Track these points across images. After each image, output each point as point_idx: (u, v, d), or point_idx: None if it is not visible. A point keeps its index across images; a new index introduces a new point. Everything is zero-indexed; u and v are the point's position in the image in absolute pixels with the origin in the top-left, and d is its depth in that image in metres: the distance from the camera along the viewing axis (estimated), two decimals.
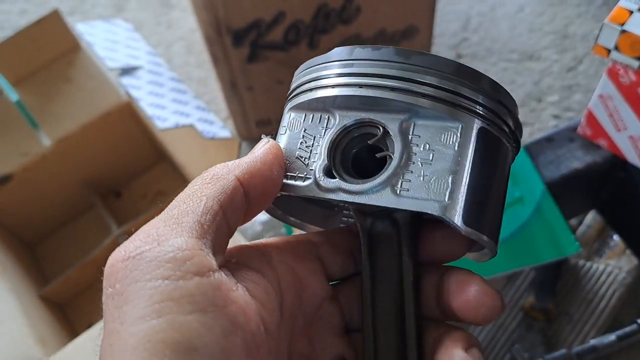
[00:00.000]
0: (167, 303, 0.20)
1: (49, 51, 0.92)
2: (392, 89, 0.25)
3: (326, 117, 0.27)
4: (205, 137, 0.62)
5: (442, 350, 0.25)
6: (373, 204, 0.25)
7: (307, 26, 0.87)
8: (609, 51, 0.60)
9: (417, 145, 0.25)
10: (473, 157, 0.24)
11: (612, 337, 0.76)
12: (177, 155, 0.79)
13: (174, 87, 0.69)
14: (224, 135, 0.62)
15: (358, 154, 0.27)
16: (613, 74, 0.63)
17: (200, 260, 0.22)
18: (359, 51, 0.27)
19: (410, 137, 0.25)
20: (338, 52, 0.27)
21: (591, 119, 0.71)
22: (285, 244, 0.28)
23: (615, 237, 0.88)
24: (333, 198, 0.25)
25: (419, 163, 0.24)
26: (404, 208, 0.24)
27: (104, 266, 0.23)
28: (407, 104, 0.25)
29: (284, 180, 0.27)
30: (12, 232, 0.92)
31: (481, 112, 0.25)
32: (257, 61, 0.89)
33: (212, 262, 0.23)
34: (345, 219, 0.33)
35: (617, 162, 0.71)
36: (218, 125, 0.62)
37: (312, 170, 0.26)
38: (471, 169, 0.24)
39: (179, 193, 0.25)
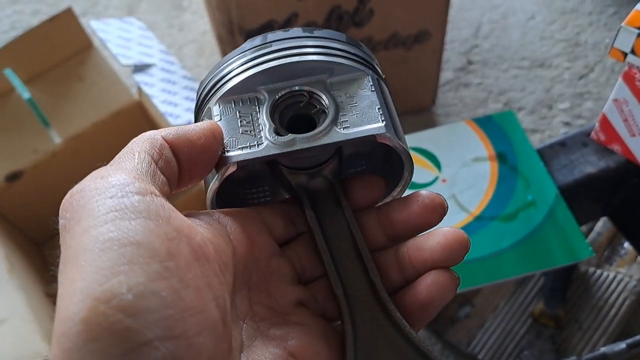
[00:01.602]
0: (112, 213, 0.22)
1: (62, 49, 0.92)
2: (312, 54, 0.30)
3: (254, 97, 0.31)
4: None
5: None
6: (328, 142, 0.29)
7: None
8: (625, 54, 0.60)
9: (340, 96, 0.30)
10: (382, 94, 0.31)
11: (622, 345, 0.75)
12: None
13: (186, 85, 0.69)
14: None
15: (291, 119, 0.31)
16: (629, 78, 0.63)
17: (142, 185, 0.24)
18: (271, 35, 0.31)
19: (332, 92, 0.30)
20: (251, 40, 0.32)
21: (605, 123, 0.70)
22: (231, 210, 0.30)
23: (626, 245, 0.88)
24: (293, 149, 0.29)
25: (348, 107, 0.30)
26: (355, 137, 0.29)
27: None
28: (326, 65, 0.31)
29: (238, 152, 0.29)
30: (21, 229, 0.91)
31: (371, 66, 0.32)
32: None
33: (155, 190, 0.24)
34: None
35: (630, 167, 0.70)
36: None
37: (261, 136, 0.29)
38: (384, 101, 0.30)
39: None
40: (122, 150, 0.26)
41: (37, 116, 0.87)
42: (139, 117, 0.90)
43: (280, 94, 0.30)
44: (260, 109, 0.30)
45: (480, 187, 0.71)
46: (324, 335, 0.28)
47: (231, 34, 0.84)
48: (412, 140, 0.77)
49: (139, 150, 0.26)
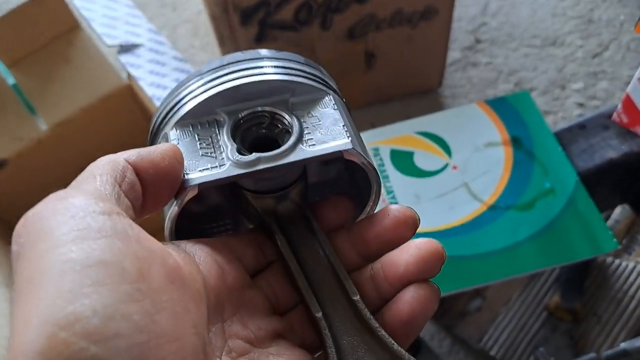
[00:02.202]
0: (73, 233, 0.20)
1: (47, 30, 0.87)
2: (272, 73, 0.30)
3: (213, 119, 0.29)
4: None
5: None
6: (294, 160, 0.27)
7: (319, 5, 0.81)
8: None
9: (303, 116, 0.30)
10: (345, 112, 0.30)
11: None
12: None
13: (176, 67, 0.64)
14: None
15: (255, 140, 0.30)
16: None
17: (107, 205, 0.22)
18: (229, 57, 0.30)
19: (295, 112, 0.30)
20: (208, 63, 0.30)
21: (629, 104, 0.65)
22: (197, 240, 0.28)
23: None
24: (258, 169, 0.27)
25: (312, 126, 0.29)
26: (323, 153, 0.28)
27: None
28: (287, 85, 0.30)
29: (199, 174, 0.27)
30: (6, 222, 0.87)
31: (330, 87, 0.32)
32: (265, 41, 0.84)
33: (121, 211, 0.22)
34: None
35: None
36: None
37: (223, 158, 0.28)
38: (347, 119, 0.30)
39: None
40: (80, 174, 0.24)
41: (23, 103, 0.82)
42: (130, 101, 0.85)
43: (242, 115, 0.29)
44: (221, 131, 0.29)
45: (494, 174, 0.66)
46: None
47: (225, 12, 0.78)
48: (420, 124, 0.72)
49: (100, 172, 0.24)
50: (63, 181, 0.78)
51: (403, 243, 0.28)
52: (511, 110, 0.72)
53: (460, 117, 0.72)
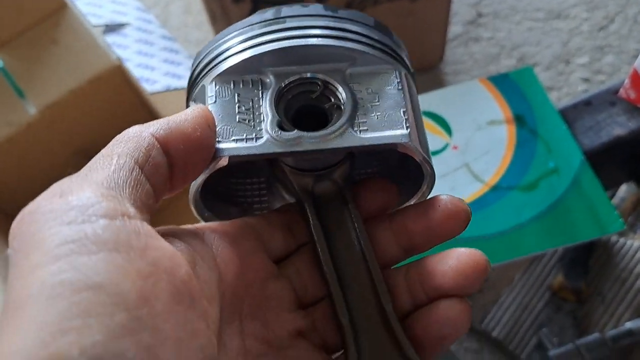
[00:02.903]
0: (67, 246, 0.18)
1: (33, 11, 0.84)
2: (332, 37, 0.26)
3: (258, 79, 0.26)
4: None
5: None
6: (340, 146, 0.25)
7: None
8: None
9: (360, 91, 0.26)
10: (409, 93, 0.27)
11: None
12: None
13: (165, 47, 0.61)
14: None
15: (300, 110, 0.27)
16: None
17: (111, 204, 0.19)
18: (286, 9, 0.27)
19: (351, 84, 0.26)
20: (261, 12, 0.27)
21: (636, 79, 0.63)
22: (219, 225, 0.26)
23: None
24: (298, 150, 0.24)
25: (369, 105, 0.26)
26: (373, 144, 0.25)
27: None
28: (348, 53, 0.26)
29: (232, 144, 0.24)
30: None
31: (399, 58, 0.28)
32: None
33: (129, 209, 0.20)
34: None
35: None
36: None
37: (261, 129, 0.25)
38: (411, 102, 0.26)
39: None
40: (101, 151, 0.22)
41: (11, 86, 0.80)
42: (120, 83, 0.82)
43: (289, 80, 0.26)
44: (264, 95, 0.26)
45: (496, 154, 0.64)
46: None
47: None
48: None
49: (119, 152, 0.21)
50: (54, 163, 0.76)
51: (452, 237, 0.26)
52: (514, 87, 0.69)
53: (461, 94, 0.70)
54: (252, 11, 0.80)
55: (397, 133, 0.25)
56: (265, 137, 0.24)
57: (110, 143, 0.22)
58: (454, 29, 1.10)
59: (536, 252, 0.58)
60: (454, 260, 0.24)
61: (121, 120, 0.88)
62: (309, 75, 0.26)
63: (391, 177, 0.29)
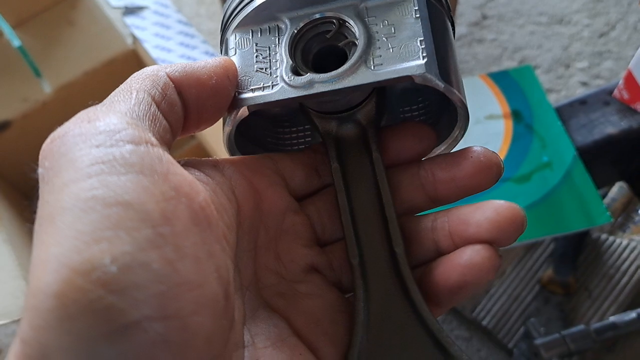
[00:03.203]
0: (98, 166, 0.19)
1: None
2: None
3: (275, 25, 0.26)
4: None
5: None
6: (353, 84, 0.24)
7: None
8: None
9: (376, 24, 0.25)
10: (432, 23, 0.25)
11: (632, 314, 0.73)
12: None
13: (181, 30, 0.64)
14: None
15: (319, 53, 0.26)
16: None
17: (136, 132, 0.20)
18: None
19: (366, 19, 0.25)
20: None
21: (630, 81, 0.65)
22: (240, 159, 0.26)
23: None
24: (310, 93, 0.24)
25: (384, 38, 0.24)
26: (386, 78, 0.24)
27: None
28: None
29: (250, 94, 0.25)
30: (10, 182, 0.88)
31: None
32: None
33: (152, 138, 0.21)
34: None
35: None
36: None
37: (277, 76, 0.25)
38: (433, 32, 0.24)
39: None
40: (119, 87, 0.23)
41: (29, 65, 0.82)
42: (134, 66, 0.85)
43: (303, 23, 0.26)
44: (281, 40, 0.25)
45: (493, 147, 0.67)
46: (335, 309, 0.25)
47: None
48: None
49: (137, 88, 0.22)
50: None
51: (480, 191, 0.25)
52: (513, 84, 0.72)
53: None
54: None
55: (412, 64, 0.23)
56: (280, 84, 0.24)
57: (129, 79, 0.23)
58: (459, 29, 1.13)
59: (527, 240, 0.61)
60: (491, 211, 0.23)
61: None
62: (318, 15, 0.26)
63: (435, 120, 0.28)
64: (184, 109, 0.23)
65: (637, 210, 0.84)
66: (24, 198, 0.91)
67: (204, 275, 0.19)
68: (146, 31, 0.64)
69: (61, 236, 0.18)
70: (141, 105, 0.22)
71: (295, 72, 0.25)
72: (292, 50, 0.25)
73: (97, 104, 0.22)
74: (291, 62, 0.25)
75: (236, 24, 0.26)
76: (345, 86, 0.24)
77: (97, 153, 0.19)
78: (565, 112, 0.69)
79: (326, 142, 0.27)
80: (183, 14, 1.16)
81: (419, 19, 0.24)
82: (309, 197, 0.27)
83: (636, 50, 0.84)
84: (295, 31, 0.26)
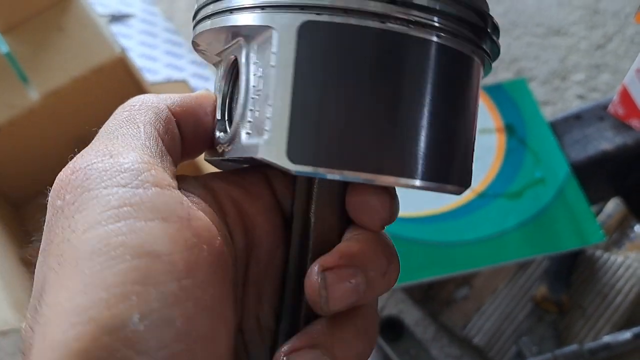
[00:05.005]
0: (125, 208, 0.18)
1: None
2: (211, 15, 0.21)
3: (219, 64, 0.24)
4: None
5: None
6: (232, 156, 0.21)
7: None
8: None
9: (255, 73, 0.20)
10: (296, 67, 0.18)
11: (627, 334, 0.71)
12: None
13: (168, 39, 0.63)
14: None
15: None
16: None
17: (159, 174, 0.20)
18: None
19: (250, 65, 0.20)
20: None
21: (625, 96, 0.64)
22: (230, 175, 0.24)
23: (637, 228, 0.82)
24: (212, 158, 0.23)
25: (256, 96, 0.19)
26: (234, 156, 0.21)
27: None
28: (223, 27, 0.20)
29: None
30: None
31: (304, 2, 0.18)
32: None
33: (171, 180, 0.21)
34: None
35: None
36: (213, 82, 0.55)
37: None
38: (295, 84, 0.18)
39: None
40: (119, 115, 0.22)
41: (16, 72, 0.81)
42: (123, 73, 0.84)
43: (225, 64, 0.23)
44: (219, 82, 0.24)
45: (485, 162, 0.66)
46: None
47: None
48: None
49: (143, 121, 0.22)
50: (54, 150, 0.77)
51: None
52: (507, 98, 0.71)
53: None
54: None
55: (257, 141, 0.19)
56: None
57: (128, 108, 0.22)
58: None
59: (518, 258, 0.60)
60: None
61: None
62: (232, 55, 0.22)
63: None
64: (181, 142, 0.23)
65: (633, 227, 0.83)
66: (12, 207, 0.89)
67: (218, 330, 0.19)
68: (132, 39, 0.62)
69: (87, 285, 0.17)
70: (151, 141, 0.21)
71: (221, 128, 0.23)
72: (225, 98, 0.23)
73: (96, 130, 0.22)
74: (218, 116, 0.23)
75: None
76: (230, 157, 0.22)
77: (125, 194, 0.19)
78: (560, 127, 0.68)
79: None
80: (175, 20, 1.15)
81: (278, 68, 0.18)
82: None
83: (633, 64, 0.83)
84: (221, 76, 0.23)
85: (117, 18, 0.65)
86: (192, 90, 0.58)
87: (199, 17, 0.23)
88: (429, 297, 0.81)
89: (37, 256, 0.21)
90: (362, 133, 0.18)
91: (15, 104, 0.82)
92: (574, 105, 1.02)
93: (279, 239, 0.24)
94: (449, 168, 0.20)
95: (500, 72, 1.07)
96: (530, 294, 0.79)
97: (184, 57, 0.61)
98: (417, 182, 0.19)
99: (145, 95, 0.23)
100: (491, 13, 0.22)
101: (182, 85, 0.60)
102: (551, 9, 1.15)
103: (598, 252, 0.81)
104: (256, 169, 0.24)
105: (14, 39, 0.84)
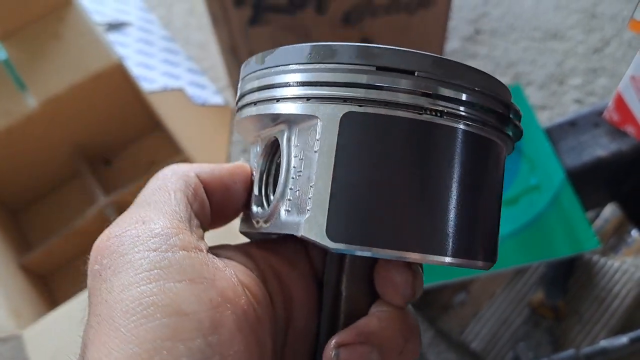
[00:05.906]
0: (156, 271, 0.20)
1: (38, 4, 0.86)
2: (255, 103, 0.23)
3: (257, 142, 0.25)
4: (195, 102, 0.56)
5: None
6: (270, 231, 0.23)
7: None
8: None
9: (297, 155, 0.21)
10: (337, 153, 0.19)
11: (623, 339, 0.71)
12: (168, 123, 0.74)
13: (165, 47, 0.63)
14: (215, 101, 0.56)
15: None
16: None
17: (186, 238, 0.22)
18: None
19: (292, 147, 0.22)
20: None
21: (620, 103, 0.64)
22: (268, 244, 0.26)
23: (634, 233, 0.82)
24: (249, 231, 0.24)
25: (297, 176, 0.21)
26: (275, 231, 0.22)
27: (89, 240, 0.23)
28: (268, 114, 0.22)
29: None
30: None
31: (346, 95, 0.19)
32: (259, 24, 0.82)
33: (199, 243, 0.23)
34: None
35: None
36: (210, 90, 0.56)
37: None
38: (336, 168, 0.19)
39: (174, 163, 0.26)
40: (152, 184, 0.24)
41: (13, 79, 0.81)
42: (120, 81, 0.84)
43: (263, 144, 0.25)
44: (258, 161, 0.25)
45: None
46: None
47: None
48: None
49: (174, 189, 0.24)
50: (52, 156, 0.78)
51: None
52: None
53: None
54: (253, 18, 0.82)
55: (298, 220, 0.20)
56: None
57: (161, 176, 0.24)
58: (452, 44, 1.12)
59: (513, 265, 0.60)
60: None
61: (119, 117, 0.89)
62: (274, 135, 0.23)
63: None
64: (210, 209, 0.25)
65: (629, 232, 0.83)
66: (9, 213, 0.89)
67: None
68: (129, 48, 0.63)
69: (123, 341, 0.19)
70: (181, 206, 0.23)
71: (258, 203, 0.24)
72: (264, 176, 0.25)
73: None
74: (256, 193, 0.24)
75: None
76: (268, 231, 0.23)
77: (155, 257, 0.21)
78: (555, 134, 0.68)
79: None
80: (173, 25, 1.15)
81: (321, 154, 0.20)
82: None
83: None
84: (260, 155, 0.25)
85: (114, 26, 0.65)
86: (189, 97, 0.58)
87: (243, 101, 0.24)
88: (426, 302, 0.81)
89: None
90: (394, 213, 0.19)
91: (12, 111, 0.82)
92: (571, 110, 1.02)
93: (313, 308, 0.25)
94: (476, 246, 0.21)
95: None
96: (527, 300, 0.79)
97: (181, 65, 0.62)
98: (447, 259, 0.20)
99: (177, 164, 0.25)
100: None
101: (179, 93, 0.60)
102: (548, 12, 1.15)
103: (595, 257, 0.81)
104: (293, 239, 0.24)
105: (12, 47, 0.85)
